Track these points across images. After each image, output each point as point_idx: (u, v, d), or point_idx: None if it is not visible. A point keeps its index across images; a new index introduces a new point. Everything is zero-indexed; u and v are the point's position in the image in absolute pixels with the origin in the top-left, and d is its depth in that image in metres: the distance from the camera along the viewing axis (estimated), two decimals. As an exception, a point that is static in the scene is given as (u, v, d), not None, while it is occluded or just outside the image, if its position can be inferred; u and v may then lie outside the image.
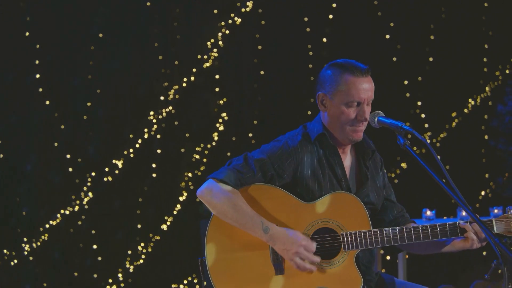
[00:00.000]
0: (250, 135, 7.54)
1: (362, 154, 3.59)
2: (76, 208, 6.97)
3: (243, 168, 3.34)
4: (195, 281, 7.23)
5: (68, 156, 7.05)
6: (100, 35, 7.13)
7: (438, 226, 3.35)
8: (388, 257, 7.29)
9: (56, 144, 7.06)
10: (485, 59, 8.19)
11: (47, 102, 7.01)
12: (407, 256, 6.35)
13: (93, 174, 7.04)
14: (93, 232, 7.07)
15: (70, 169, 7.05)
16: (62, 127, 7.08)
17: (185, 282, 7.21)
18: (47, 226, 6.90)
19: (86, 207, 7.00)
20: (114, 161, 7.09)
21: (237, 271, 3.30)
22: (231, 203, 3.28)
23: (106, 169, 7.07)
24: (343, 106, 3.41)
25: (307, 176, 3.40)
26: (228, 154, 7.36)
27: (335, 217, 3.37)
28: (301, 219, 3.35)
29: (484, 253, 7.39)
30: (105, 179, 7.05)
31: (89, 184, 7.02)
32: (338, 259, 3.34)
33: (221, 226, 3.35)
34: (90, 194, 7.00)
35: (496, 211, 6.23)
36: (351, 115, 3.40)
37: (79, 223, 7.01)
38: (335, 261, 3.34)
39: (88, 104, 7.12)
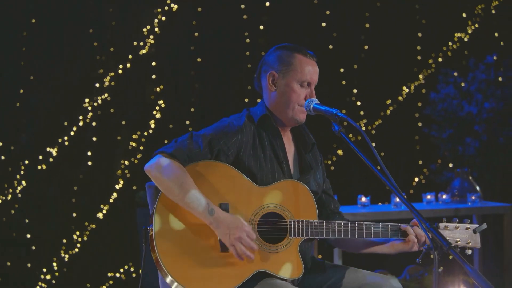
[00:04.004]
0: (188, 122, 7.51)
1: (302, 145, 3.63)
2: (9, 196, 6.85)
3: (189, 145, 3.32)
4: (132, 269, 7.19)
5: (0, 144, 6.91)
6: (33, 20, 6.98)
7: (380, 225, 3.42)
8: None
9: (-13, 131, 6.92)
10: (418, 47, 8.33)
11: (-22, 89, 6.86)
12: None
13: (26, 162, 6.92)
14: (26, 221, 6.95)
15: (3, 157, 6.91)
16: (-6, 114, 6.94)
17: (122, 270, 7.16)
18: (-21, 215, 6.76)
19: (19, 195, 6.88)
20: (48, 149, 6.98)
21: (184, 243, 3.27)
22: (179, 181, 3.23)
23: (40, 157, 6.95)
24: (296, 85, 3.47)
25: (249, 157, 3.42)
26: (165, 141, 7.32)
27: (284, 204, 3.40)
28: (251, 201, 3.36)
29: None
30: (39, 167, 6.94)
31: (22, 172, 6.89)
32: (283, 244, 3.37)
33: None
34: (23, 182, 6.88)
35: (429, 197, 6.37)
36: (301, 95, 3.46)
37: (12, 212, 6.88)
38: (279, 246, 3.36)
39: (21, 91, 6.98)
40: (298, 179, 3.52)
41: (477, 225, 3.42)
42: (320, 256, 7.00)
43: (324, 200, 3.71)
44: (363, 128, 7.98)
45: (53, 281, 6.92)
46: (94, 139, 7.17)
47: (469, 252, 3.43)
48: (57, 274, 6.94)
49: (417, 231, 3.41)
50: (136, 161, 7.23)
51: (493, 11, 8.36)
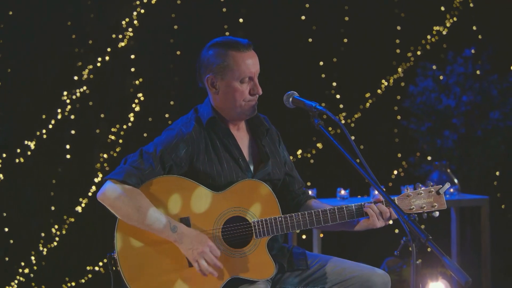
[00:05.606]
0: (167, 115, 7.49)
1: (257, 132, 3.60)
2: (-13, 190, 6.80)
3: (141, 165, 3.26)
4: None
5: (-23, 137, 6.87)
6: (10, 12, 6.92)
7: (344, 209, 3.40)
8: (304, 236, 7.39)
9: (-36, 125, 6.86)
10: (397, 41, 8.36)
11: (-45, 82, 6.79)
12: (322, 235, 6.45)
13: (4, 155, 6.86)
14: (4, 214, 6.90)
15: (-20, 151, 6.87)
16: (-29, 107, 6.88)
17: (101, 264, 7.13)
18: (-44, 209, 6.71)
19: (-4, 189, 6.84)
20: (26, 142, 6.92)
21: (150, 264, 3.24)
22: (135, 205, 3.19)
23: (18, 150, 6.90)
24: (237, 83, 3.40)
25: (203, 163, 3.37)
26: (145, 135, 7.30)
27: (245, 205, 3.36)
28: (212, 209, 3.32)
29: (396, 231, 7.58)
30: (16, 160, 6.89)
31: (0, 165, 6.84)
32: (250, 247, 3.34)
33: None
34: (0, 176, 6.82)
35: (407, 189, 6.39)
36: (245, 91, 3.41)
37: (-10, 205, 6.84)
38: (247, 249, 3.34)
39: (-1, 83, 6.93)
40: (257, 173, 3.49)
41: (441, 186, 3.37)
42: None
43: (288, 182, 3.67)
44: (342, 121, 8.00)
45: (32, 275, 6.88)
46: (73, 132, 7.12)
47: (437, 214, 3.36)
48: (35, 268, 6.90)
49: (381, 208, 3.39)
50: (115, 155, 7.20)
51: (471, 5, 8.40)
